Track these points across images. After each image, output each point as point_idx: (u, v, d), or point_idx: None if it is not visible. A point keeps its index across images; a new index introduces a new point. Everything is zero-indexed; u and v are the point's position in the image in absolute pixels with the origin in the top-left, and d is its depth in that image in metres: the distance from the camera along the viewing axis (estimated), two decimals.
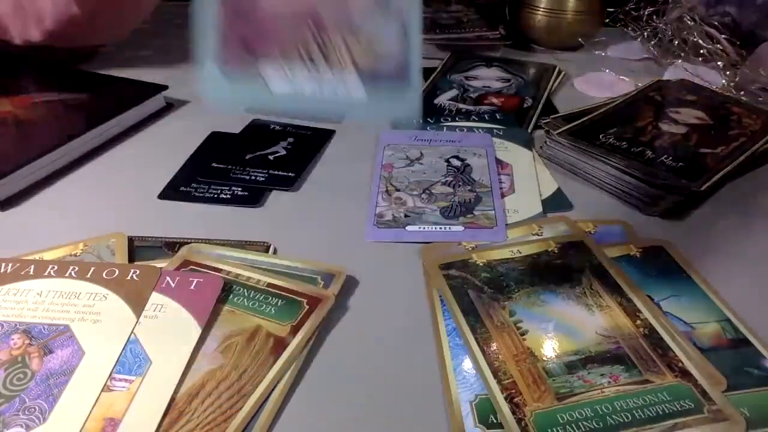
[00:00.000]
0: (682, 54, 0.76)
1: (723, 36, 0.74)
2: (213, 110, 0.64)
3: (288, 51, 0.28)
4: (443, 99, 0.65)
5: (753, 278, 0.41)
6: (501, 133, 0.59)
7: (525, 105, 0.65)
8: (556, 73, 0.72)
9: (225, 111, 0.25)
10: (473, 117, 0.62)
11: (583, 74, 0.74)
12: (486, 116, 0.62)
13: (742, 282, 0.40)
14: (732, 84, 0.68)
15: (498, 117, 0.62)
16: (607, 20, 0.84)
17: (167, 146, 0.57)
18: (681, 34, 0.77)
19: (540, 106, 0.64)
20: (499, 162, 0.54)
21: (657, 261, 0.42)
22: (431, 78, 0.69)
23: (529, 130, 0.60)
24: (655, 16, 0.81)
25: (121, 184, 0.52)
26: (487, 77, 0.72)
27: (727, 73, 0.70)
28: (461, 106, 0.64)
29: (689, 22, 0.77)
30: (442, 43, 0.78)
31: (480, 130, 0.60)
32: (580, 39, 0.80)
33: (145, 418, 0.31)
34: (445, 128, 0.60)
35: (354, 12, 0.28)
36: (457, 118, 0.62)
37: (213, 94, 0.27)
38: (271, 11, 0.28)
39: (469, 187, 0.50)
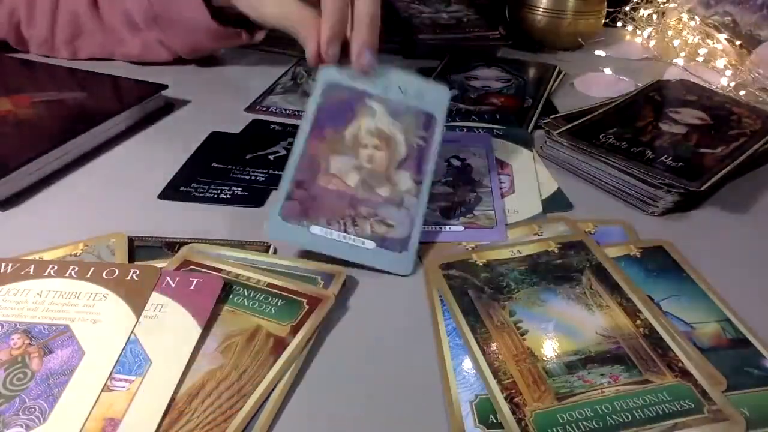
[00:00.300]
0: (682, 54, 0.76)
1: (723, 36, 0.74)
2: (214, 111, 0.64)
3: (328, 216, 0.42)
4: None
5: (753, 278, 0.41)
6: (501, 133, 0.59)
7: (525, 105, 0.65)
8: (556, 73, 0.72)
9: (275, 240, 0.43)
10: (473, 117, 0.62)
11: (583, 74, 0.74)
12: (486, 116, 0.62)
13: (742, 282, 0.40)
14: (732, 84, 0.68)
15: (498, 117, 0.62)
16: (607, 20, 0.84)
17: (167, 146, 0.57)
18: (681, 34, 0.77)
19: (540, 106, 0.64)
20: (499, 162, 0.54)
21: (657, 261, 0.42)
22: (431, 78, 0.68)
23: (529, 130, 0.60)
24: (655, 16, 0.82)
25: (121, 184, 0.52)
26: (487, 77, 0.71)
27: (727, 73, 0.70)
28: (461, 106, 0.64)
29: (689, 22, 0.77)
30: (441, 44, 0.78)
31: (480, 130, 0.60)
32: (580, 39, 0.80)
33: (145, 418, 0.31)
34: (445, 128, 0.60)
35: (379, 202, 0.43)
36: (456, 118, 0.62)
37: (271, 232, 0.42)
38: (323, 188, 0.43)
39: (469, 187, 0.50)
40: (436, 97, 0.47)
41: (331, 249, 0.41)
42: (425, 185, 0.44)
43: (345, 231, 0.41)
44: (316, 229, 0.41)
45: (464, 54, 0.77)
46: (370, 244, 0.41)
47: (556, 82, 0.71)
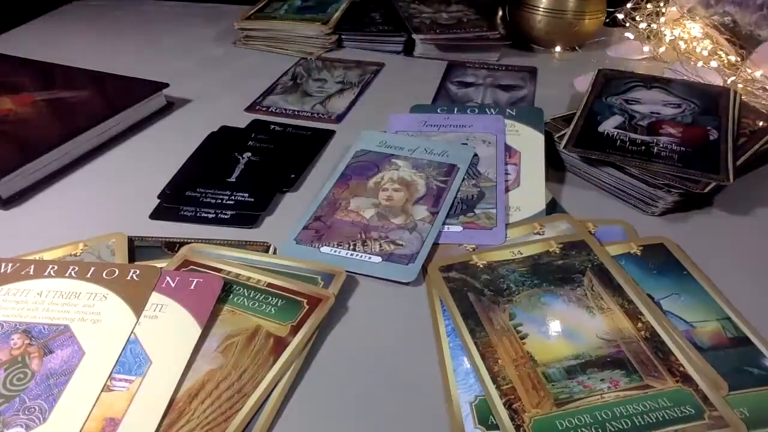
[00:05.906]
0: (682, 54, 0.76)
1: (723, 36, 0.74)
2: (214, 111, 0.64)
3: (339, 240, 0.43)
4: (608, 127, 0.54)
5: (753, 277, 0.41)
6: (514, 113, 0.57)
7: (711, 138, 0.53)
8: (733, 97, 0.59)
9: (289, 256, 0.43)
10: (653, 150, 0.50)
11: (583, 74, 0.74)
12: (670, 152, 0.50)
13: (742, 281, 0.40)
14: (732, 84, 0.68)
15: (683, 150, 0.50)
16: (607, 20, 0.84)
17: (167, 146, 0.57)
18: (681, 34, 0.77)
19: (730, 141, 0.52)
20: (507, 149, 0.53)
21: (657, 258, 0.42)
22: (584, 102, 0.58)
23: (731, 178, 0.47)
24: (655, 16, 0.81)
25: (121, 184, 0.52)
26: (651, 101, 0.60)
27: (727, 73, 0.70)
28: (633, 135, 0.53)
29: (689, 22, 0.77)
30: (442, 43, 0.78)
31: (492, 110, 0.58)
32: (579, 39, 0.80)
33: (145, 418, 0.31)
34: (456, 110, 0.59)
35: (392, 228, 0.44)
36: (634, 156, 0.49)
37: (283, 251, 0.43)
38: (341, 220, 0.45)
39: (473, 181, 0.49)
40: (462, 154, 0.52)
41: (338, 263, 0.41)
42: (440, 214, 0.46)
43: (353, 250, 0.43)
44: (326, 249, 0.43)
45: (614, 73, 0.65)
46: (377, 259, 0.42)
47: (736, 108, 0.58)
